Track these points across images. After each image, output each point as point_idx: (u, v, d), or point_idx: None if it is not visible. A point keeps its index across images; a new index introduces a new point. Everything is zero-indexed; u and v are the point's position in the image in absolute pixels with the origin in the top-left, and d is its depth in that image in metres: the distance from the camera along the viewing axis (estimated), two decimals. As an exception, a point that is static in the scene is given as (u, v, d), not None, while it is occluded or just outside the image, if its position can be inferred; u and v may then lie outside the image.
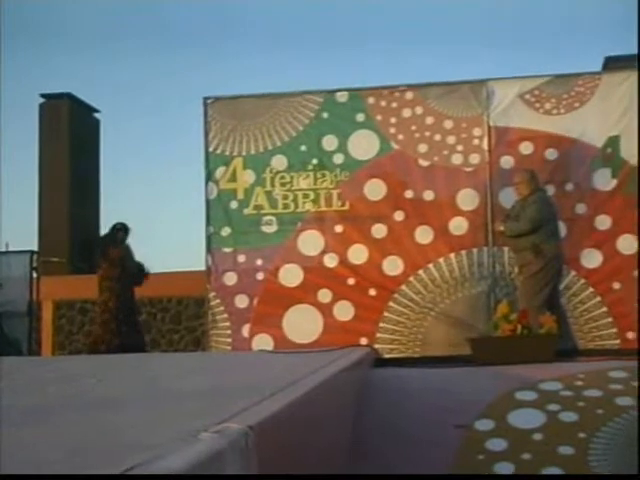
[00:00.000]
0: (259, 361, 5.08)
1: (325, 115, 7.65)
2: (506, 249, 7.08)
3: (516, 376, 4.75)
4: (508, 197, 7.13)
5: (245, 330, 7.45)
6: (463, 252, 7.27)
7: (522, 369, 4.96)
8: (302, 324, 7.35)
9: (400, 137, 7.50)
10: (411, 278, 7.32)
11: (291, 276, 7.47)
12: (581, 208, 7.15)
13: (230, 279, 7.55)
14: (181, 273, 11.29)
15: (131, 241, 8.29)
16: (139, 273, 8.19)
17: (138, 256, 8.30)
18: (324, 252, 7.47)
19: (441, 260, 7.30)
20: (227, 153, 7.71)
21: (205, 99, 7.80)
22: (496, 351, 5.68)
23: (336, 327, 7.29)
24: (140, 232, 8.72)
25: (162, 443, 1.69)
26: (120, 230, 8.26)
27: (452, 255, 7.28)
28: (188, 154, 22.81)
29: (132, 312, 8.16)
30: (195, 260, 9.74)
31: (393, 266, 7.34)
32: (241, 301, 7.51)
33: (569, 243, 7.04)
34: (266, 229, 7.58)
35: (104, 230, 15.16)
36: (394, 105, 7.54)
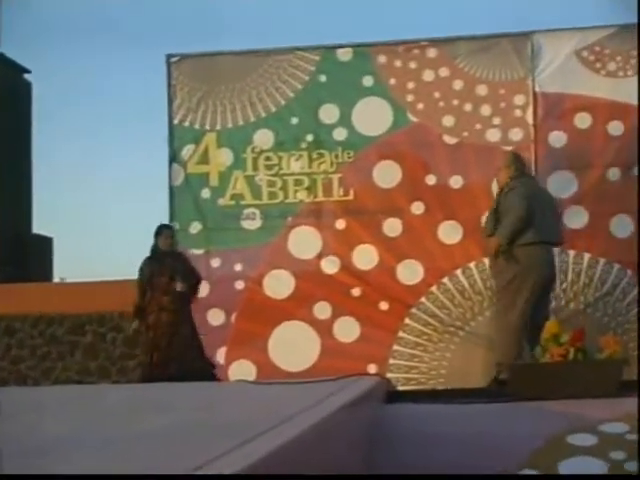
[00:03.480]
0: (238, 394, 5.10)
1: (323, 78, 7.67)
2: (555, 250, 7.10)
3: (569, 414, 4.76)
4: (559, 184, 7.15)
5: (220, 354, 7.48)
6: (501, 255, 7.28)
7: (576, 405, 4.97)
8: (293, 347, 7.38)
9: (420, 107, 7.52)
10: (433, 288, 7.34)
11: (279, 285, 7.50)
12: (653, 198, 7.19)
13: (201, 289, 7.57)
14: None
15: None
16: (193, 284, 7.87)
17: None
18: (321, 254, 7.50)
19: (472, 265, 7.32)
20: (197, 127, 7.73)
21: (168, 57, 7.82)
22: (543, 382, 5.69)
23: (337, 350, 7.32)
24: (82, 230, 8.71)
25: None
26: (161, 235, 7.92)
27: (486, 259, 7.29)
28: (148, 129, 22.85)
29: (191, 335, 7.61)
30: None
31: (410, 273, 7.37)
32: (215, 317, 7.54)
33: (637, 242, 7.07)
34: (247, 225, 7.61)
35: (37, 227, 15.26)
36: (412, 65, 7.57)
